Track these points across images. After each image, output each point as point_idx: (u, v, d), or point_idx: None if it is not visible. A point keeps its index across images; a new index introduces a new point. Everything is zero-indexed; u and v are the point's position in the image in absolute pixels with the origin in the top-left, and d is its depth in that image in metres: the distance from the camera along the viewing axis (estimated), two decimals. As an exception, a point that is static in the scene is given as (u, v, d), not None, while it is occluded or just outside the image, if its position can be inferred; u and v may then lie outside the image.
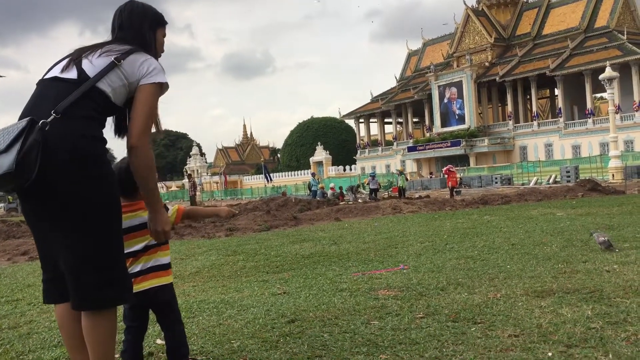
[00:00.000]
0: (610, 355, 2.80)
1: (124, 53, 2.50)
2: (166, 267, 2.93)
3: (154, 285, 2.82)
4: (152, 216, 2.64)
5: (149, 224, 2.67)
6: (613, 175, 30.98)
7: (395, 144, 69.42)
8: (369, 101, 74.75)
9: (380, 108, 69.97)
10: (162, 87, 2.55)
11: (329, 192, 32.01)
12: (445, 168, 29.65)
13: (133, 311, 2.86)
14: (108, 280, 2.40)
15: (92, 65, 2.45)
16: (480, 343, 3.16)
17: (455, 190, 26.94)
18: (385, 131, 75.10)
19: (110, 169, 2.46)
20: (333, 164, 70.92)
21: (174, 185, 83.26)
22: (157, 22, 2.71)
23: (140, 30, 2.63)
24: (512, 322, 3.53)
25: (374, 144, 74.03)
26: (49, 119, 2.29)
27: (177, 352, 2.92)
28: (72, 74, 2.44)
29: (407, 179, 34.99)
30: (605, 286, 4.35)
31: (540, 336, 3.20)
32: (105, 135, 2.50)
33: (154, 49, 2.67)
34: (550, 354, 2.90)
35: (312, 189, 31.98)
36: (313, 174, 38.75)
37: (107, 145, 2.50)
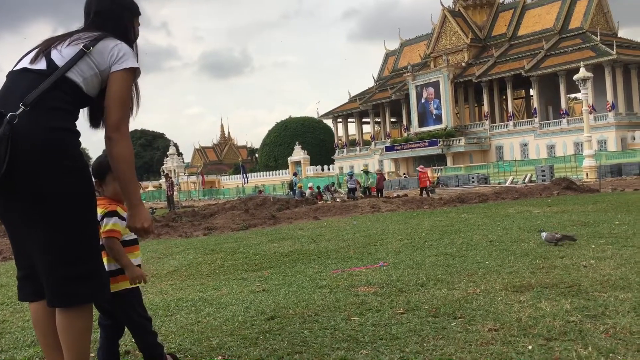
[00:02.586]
0: (590, 348, 2.81)
1: (93, 40, 2.42)
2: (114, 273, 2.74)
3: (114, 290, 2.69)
4: (131, 212, 2.51)
5: (128, 220, 2.54)
6: (587, 174, 31.47)
7: (373, 143, 69.66)
8: (347, 101, 74.88)
9: (358, 108, 70.17)
10: (134, 73, 2.47)
11: (307, 191, 31.97)
12: (418, 168, 30.03)
13: (103, 310, 2.78)
14: (82, 276, 2.33)
15: (61, 55, 2.38)
16: (461, 337, 3.15)
17: (427, 189, 27.28)
18: (363, 131, 75.32)
19: (83, 161, 2.38)
20: (311, 164, 70.91)
21: (150, 185, 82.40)
22: (135, 12, 2.67)
23: (121, 20, 2.58)
24: (491, 317, 3.53)
25: (352, 143, 74.19)
26: (17, 112, 2.21)
27: (148, 352, 2.85)
28: (41, 64, 2.36)
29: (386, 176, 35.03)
30: (583, 281, 4.39)
31: (520, 330, 3.21)
32: (79, 128, 2.42)
33: (133, 40, 2.62)
34: (530, 347, 2.90)
35: (294, 188, 32.04)
36: (295, 174, 38.75)
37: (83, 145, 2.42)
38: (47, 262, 2.31)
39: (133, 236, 2.82)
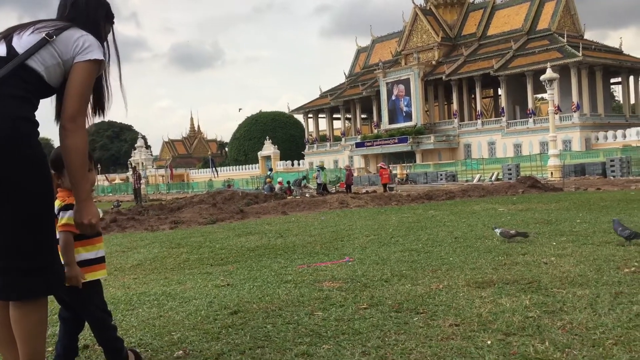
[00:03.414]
0: (547, 343, 2.87)
1: (57, 29, 2.36)
2: (88, 263, 2.69)
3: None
4: (78, 206, 2.40)
5: (74, 214, 2.43)
6: (552, 173, 32.07)
7: (343, 139, 69.78)
8: (318, 96, 74.84)
9: (329, 104, 70.18)
10: (99, 65, 2.42)
11: (277, 186, 31.91)
12: (379, 165, 30.50)
13: (63, 303, 2.72)
14: (37, 269, 2.28)
15: (21, 42, 2.31)
16: (422, 332, 3.18)
17: (387, 186, 27.71)
18: (334, 127, 75.37)
19: (42, 152, 2.32)
20: (281, 159, 70.73)
21: (117, 178, 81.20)
22: (110, 15, 2.63)
23: (95, 14, 2.54)
24: (453, 312, 3.58)
25: (322, 139, 74.20)
26: None
27: (107, 346, 2.81)
28: (1, 51, 2.30)
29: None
30: (543, 277, 4.47)
31: (480, 325, 3.25)
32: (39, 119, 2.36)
33: (103, 38, 2.57)
34: (489, 342, 2.94)
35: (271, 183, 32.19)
36: (271, 169, 38.76)
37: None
38: (2, 255, 2.25)
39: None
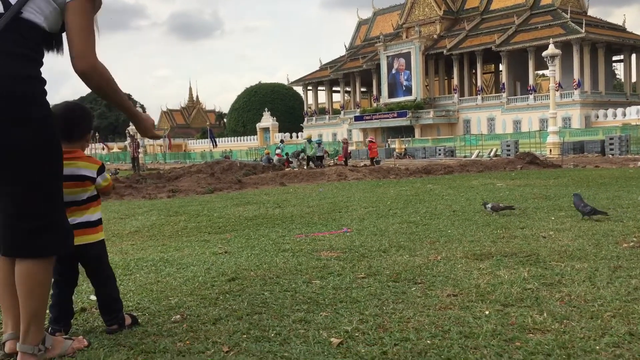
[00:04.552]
0: (545, 314, 2.86)
1: None
2: (95, 224, 2.81)
3: (82, 243, 2.70)
4: (134, 120, 2.60)
5: (137, 129, 2.64)
6: (550, 150, 32.00)
7: (342, 112, 69.50)
8: (317, 69, 74.29)
9: (329, 76, 69.71)
10: (94, 1, 2.31)
11: (275, 157, 31.82)
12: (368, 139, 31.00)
13: (60, 264, 2.71)
14: (47, 227, 2.29)
15: None
16: (420, 302, 3.18)
17: (375, 160, 27.84)
18: (333, 100, 75.00)
19: (49, 110, 2.28)
20: (280, 131, 70.49)
21: (115, 146, 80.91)
22: None
23: None
24: (451, 283, 3.57)
25: (321, 112, 73.88)
26: None
27: (109, 307, 2.82)
28: None
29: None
30: (542, 250, 4.47)
31: (478, 296, 3.25)
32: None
33: None
34: (487, 312, 2.94)
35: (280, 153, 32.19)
36: (282, 141, 38.89)
37: None
38: (13, 214, 2.26)
39: (95, 192, 2.84)
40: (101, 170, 2.82)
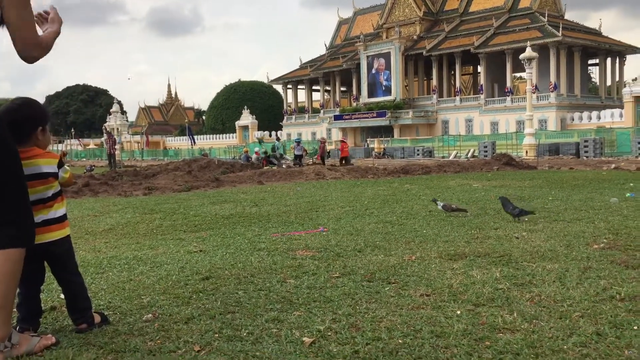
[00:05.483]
0: (515, 314, 2.90)
1: None
2: (62, 219, 2.79)
3: (47, 240, 2.67)
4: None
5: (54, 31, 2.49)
6: (527, 152, 32.36)
7: (322, 111, 69.50)
8: (298, 67, 74.18)
9: (309, 75, 69.64)
10: None
11: (254, 156, 31.70)
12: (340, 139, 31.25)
13: (26, 263, 2.67)
14: (9, 220, 2.33)
15: None
16: (393, 301, 3.20)
17: (345, 159, 28.12)
18: (313, 99, 74.93)
19: None
20: (259, 129, 70.21)
21: (92, 143, 79.95)
22: None
23: None
24: (424, 283, 3.60)
25: (301, 110, 73.79)
26: None
27: (76, 306, 2.78)
28: None
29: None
30: (514, 251, 4.52)
31: (450, 295, 3.28)
32: None
33: None
34: (459, 312, 2.97)
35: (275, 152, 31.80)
36: (278, 139, 38.63)
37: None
38: None
39: (59, 188, 2.83)
40: (61, 163, 2.80)
